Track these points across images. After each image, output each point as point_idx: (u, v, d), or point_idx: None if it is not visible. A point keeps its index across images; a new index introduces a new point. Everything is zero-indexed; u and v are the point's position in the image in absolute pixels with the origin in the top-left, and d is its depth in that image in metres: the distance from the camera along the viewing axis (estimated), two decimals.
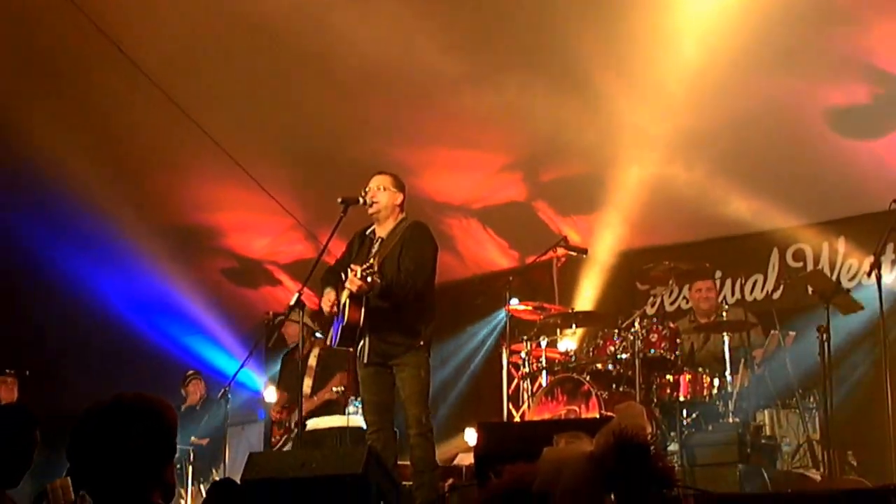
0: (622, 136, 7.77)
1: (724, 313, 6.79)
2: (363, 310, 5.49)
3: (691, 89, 7.08)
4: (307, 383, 7.41)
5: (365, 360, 5.61)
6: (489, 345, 9.20)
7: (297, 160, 8.93)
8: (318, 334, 7.57)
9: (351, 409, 7.15)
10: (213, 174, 9.14)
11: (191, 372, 9.53)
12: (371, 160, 7.13)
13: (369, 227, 5.85)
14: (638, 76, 7.29)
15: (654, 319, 7.02)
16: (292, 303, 5.76)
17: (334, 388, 7.49)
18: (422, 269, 5.57)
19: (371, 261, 5.38)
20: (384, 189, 5.72)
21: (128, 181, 9.03)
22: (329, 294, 5.66)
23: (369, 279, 5.28)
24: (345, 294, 5.56)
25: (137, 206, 9.21)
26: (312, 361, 7.61)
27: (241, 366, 6.94)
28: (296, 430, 7.33)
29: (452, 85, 7.76)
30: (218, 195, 9.57)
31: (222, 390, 6.92)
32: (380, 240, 5.73)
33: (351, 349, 5.82)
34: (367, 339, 5.58)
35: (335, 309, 5.62)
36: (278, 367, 8.32)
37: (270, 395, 8.11)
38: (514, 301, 7.56)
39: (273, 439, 7.75)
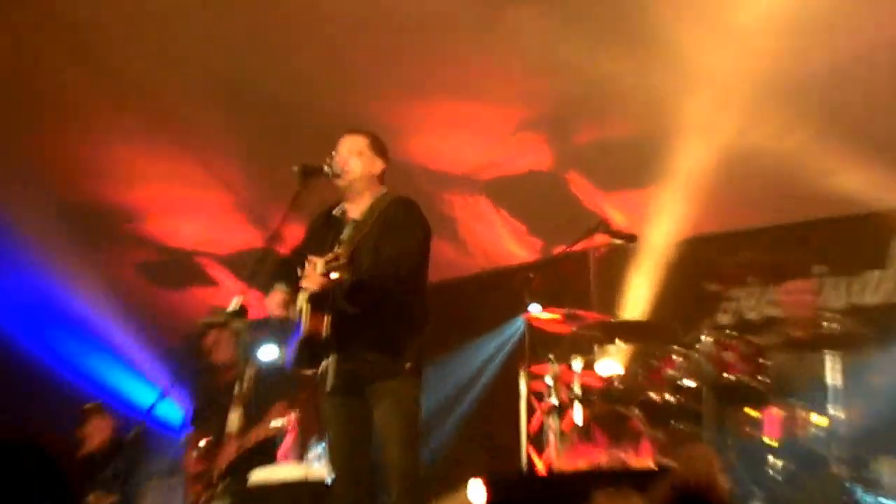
0: (687, 86, 7.85)
1: (828, 324, 6.78)
2: (328, 317, 5.46)
3: (780, 29, 7.19)
4: (234, 417, 7.38)
5: (328, 387, 5.58)
6: (501, 365, 9.31)
7: (244, 117, 8.97)
8: (260, 352, 7.58)
9: (311, 455, 7.16)
10: (129, 133, 9.17)
11: (91, 405, 9.47)
12: (343, 117, 7.15)
13: (337, 205, 5.85)
14: (710, 12, 7.26)
15: (730, 332, 7.02)
16: (230, 309, 5.69)
17: (273, 424, 7.48)
18: (407, 257, 5.57)
19: (338, 250, 5.34)
20: (358, 154, 5.73)
21: (5, 140, 8.98)
22: (278, 292, 5.60)
23: (335, 274, 5.22)
24: (303, 296, 5.54)
25: (20, 176, 9.18)
26: (245, 387, 7.61)
27: (162, 396, 6.90)
28: (222, 485, 7.29)
29: (452, 18, 7.75)
30: (135, 162, 9.64)
31: (135, 430, 6.89)
32: (352, 222, 5.74)
33: (309, 371, 5.74)
34: (331, 358, 5.54)
35: (288, 313, 5.59)
36: (200, 396, 8.35)
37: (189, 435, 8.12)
38: (536, 307, 7.58)
39: (191, 499, 7.73)
